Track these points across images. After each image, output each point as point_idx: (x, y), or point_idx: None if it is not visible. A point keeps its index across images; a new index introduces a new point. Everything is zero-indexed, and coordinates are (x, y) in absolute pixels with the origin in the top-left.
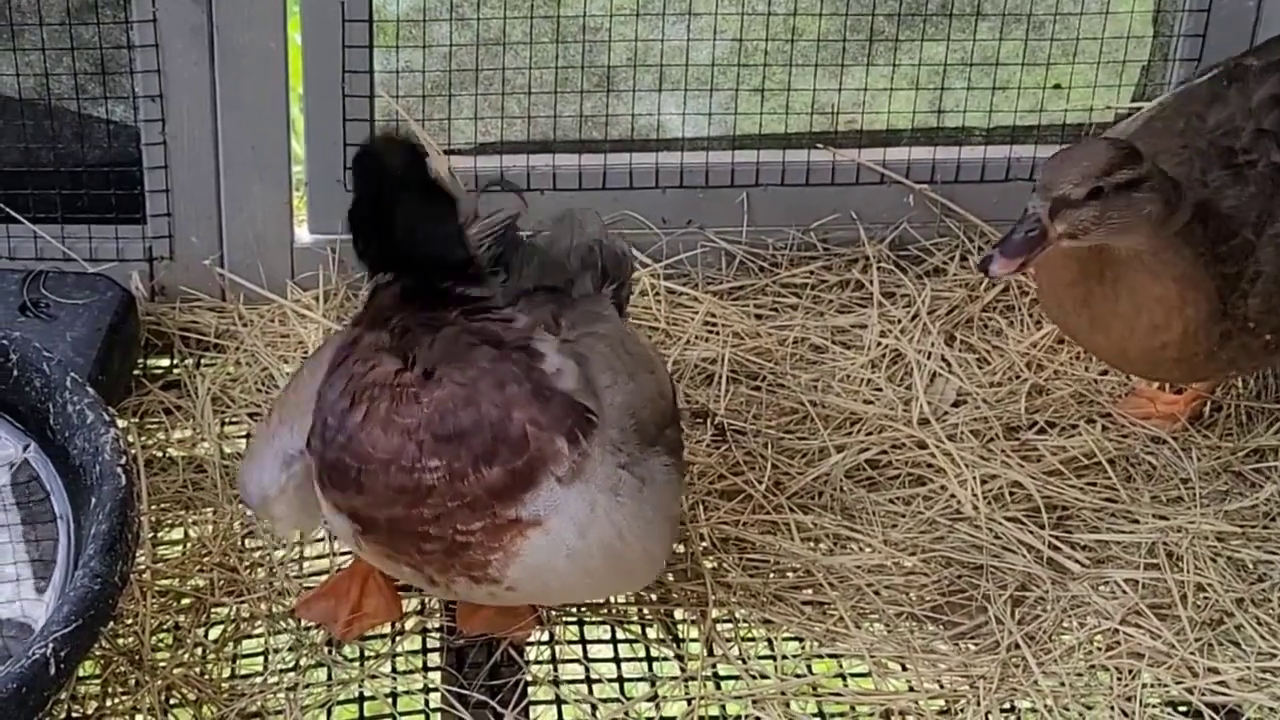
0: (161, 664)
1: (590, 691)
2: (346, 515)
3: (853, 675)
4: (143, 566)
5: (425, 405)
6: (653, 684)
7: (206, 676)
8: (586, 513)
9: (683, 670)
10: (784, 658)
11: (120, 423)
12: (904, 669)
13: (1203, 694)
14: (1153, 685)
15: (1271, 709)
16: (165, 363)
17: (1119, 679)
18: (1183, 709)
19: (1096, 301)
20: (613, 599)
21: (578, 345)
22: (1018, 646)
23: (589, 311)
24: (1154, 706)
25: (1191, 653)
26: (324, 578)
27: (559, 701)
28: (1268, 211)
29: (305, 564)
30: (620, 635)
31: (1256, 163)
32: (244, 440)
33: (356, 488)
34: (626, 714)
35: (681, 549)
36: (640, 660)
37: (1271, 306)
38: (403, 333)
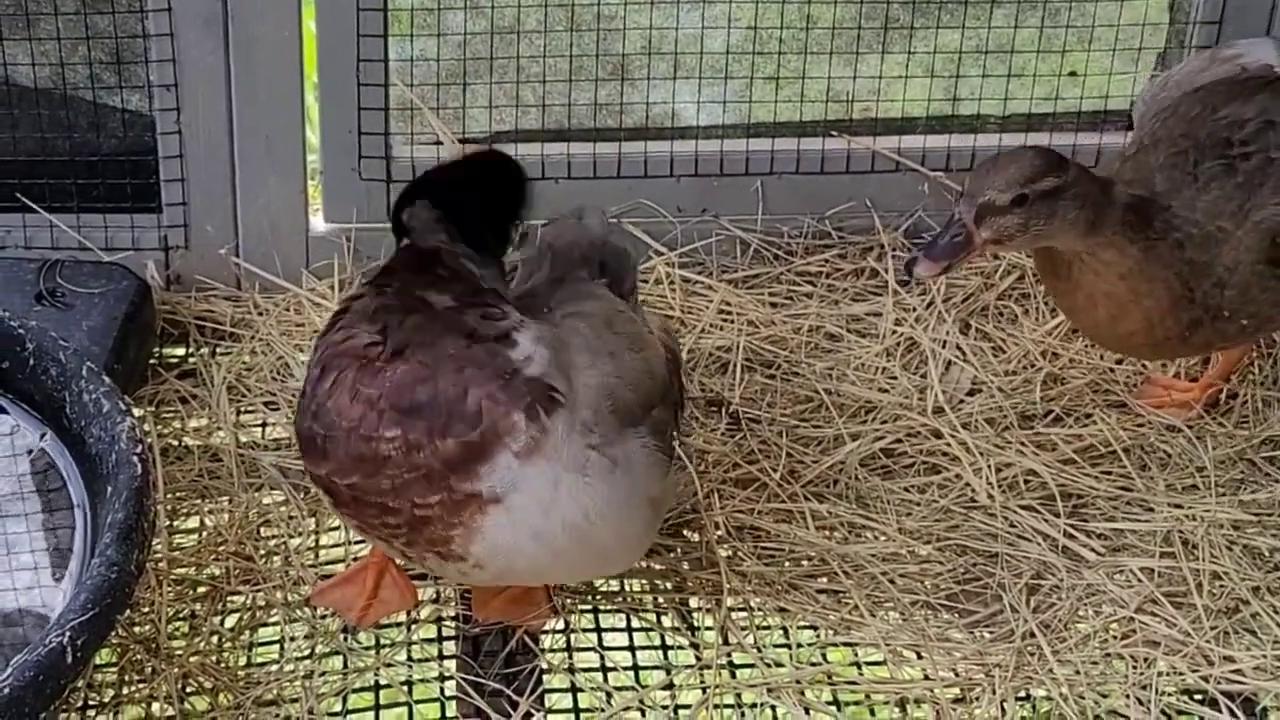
0: (178, 652)
1: (605, 679)
2: (319, 486)
3: (868, 663)
4: (159, 555)
5: (388, 378)
6: (668, 672)
7: (222, 664)
8: (550, 491)
9: (698, 658)
10: (799, 646)
11: (136, 411)
12: (919, 657)
13: (1218, 682)
14: (1168, 673)
15: None
16: (181, 351)
17: (1134, 667)
18: (1198, 697)
19: (1061, 295)
20: (627, 586)
21: (560, 329)
22: (1033, 635)
23: (579, 290)
24: (1169, 695)
25: (1207, 641)
26: (340, 566)
27: (574, 689)
28: (1251, 202)
29: (321, 553)
30: (635, 623)
31: (1251, 156)
32: (259, 429)
33: (322, 454)
34: (641, 702)
35: (696, 537)
36: (655, 648)
37: (1249, 298)
38: (384, 308)
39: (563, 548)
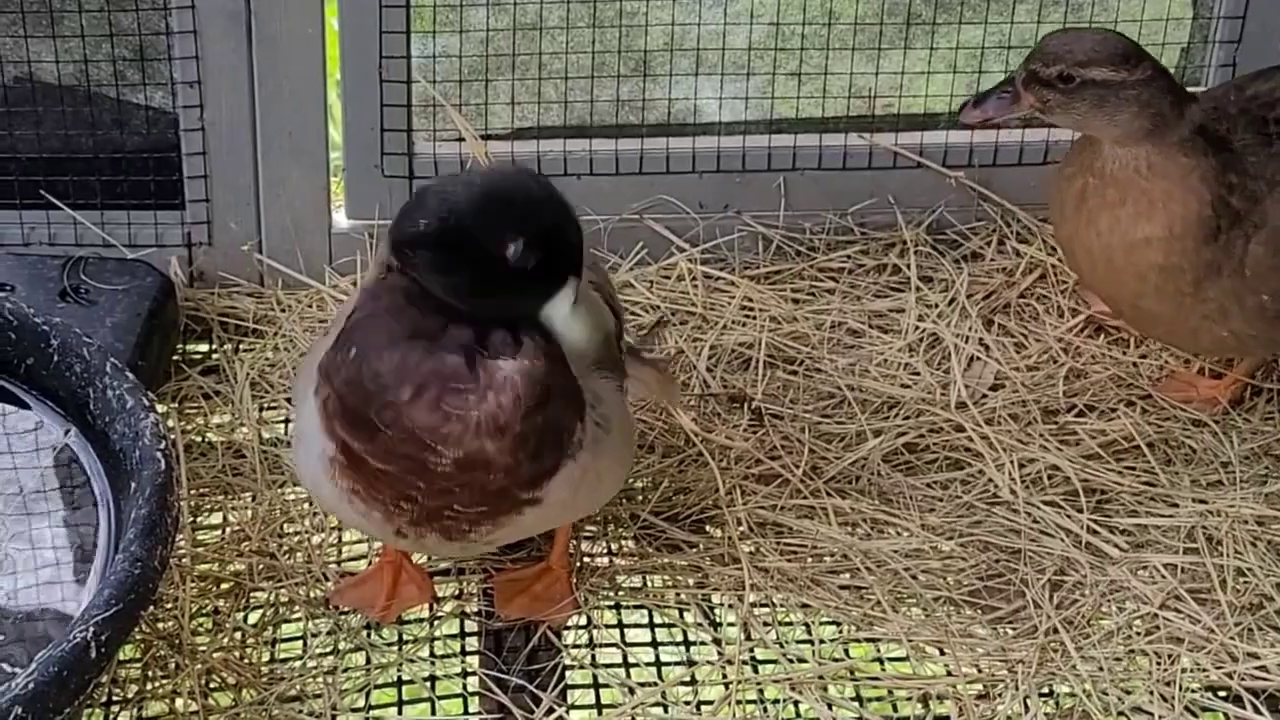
0: (201, 648)
1: (628, 675)
2: (338, 443)
3: (890, 659)
4: (182, 551)
5: (478, 400)
6: (690, 667)
7: (246, 660)
8: (578, 476)
9: (720, 654)
10: (821, 642)
11: (160, 408)
12: (942, 653)
13: (1242, 679)
14: (1192, 670)
15: None
16: (204, 348)
17: (1158, 664)
18: (1222, 694)
19: (1091, 193)
20: (649, 582)
21: None
22: (1056, 631)
23: None
24: (1193, 691)
25: (1231, 637)
26: (362, 564)
27: (596, 685)
28: None
29: (344, 549)
30: (658, 619)
31: None
32: (282, 425)
33: (369, 436)
34: (664, 697)
35: (718, 533)
36: (678, 644)
37: (1276, 264)
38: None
39: (580, 506)
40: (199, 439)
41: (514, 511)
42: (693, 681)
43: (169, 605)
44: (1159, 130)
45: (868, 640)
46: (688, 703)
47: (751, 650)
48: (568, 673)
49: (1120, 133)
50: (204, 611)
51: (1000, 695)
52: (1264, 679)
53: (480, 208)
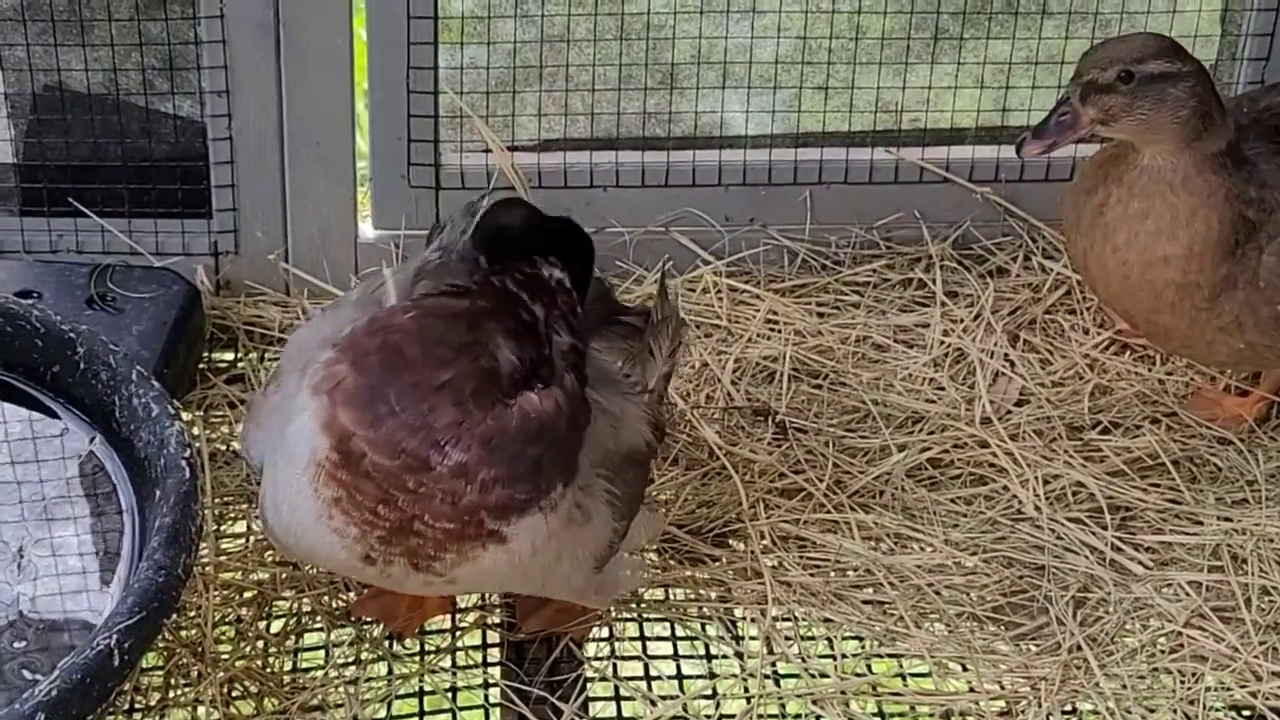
0: (224, 656)
1: (649, 688)
2: (334, 436)
3: (913, 675)
4: (206, 559)
5: (489, 414)
6: (711, 679)
7: (268, 669)
8: (543, 540)
9: (742, 668)
10: (844, 657)
11: (185, 416)
12: (964, 669)
13: (1266, 698)
14: (1216, 689)
15: None
16: (229, 356)
17: (1182, 682)
18: (1246, 713)
19: (1111, 206)
20: (671, 595)
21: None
22: (1079, 648)
23: (602, 369)
24: (1217, 710)
25: (1255, 656)
26: None
27: (618, 698)
28: None
29: None
30: (680, 632)
31: None
32: None
33: (373, 421)
34: (685, 710)
35: (741, 547)
36: (700, 658)
37: None
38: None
39: (532, 577)
40: (223, 447)
41: (477, 541)
42: (714, 695)
43: (192, 613)
44: (1209, 132)
45: (890, 656)
46: (709, 716)
47: (773, 664)
48: (589, 684)
49: (1180, 131)
50: (227, 620)
51: (1023, 712)
52: None
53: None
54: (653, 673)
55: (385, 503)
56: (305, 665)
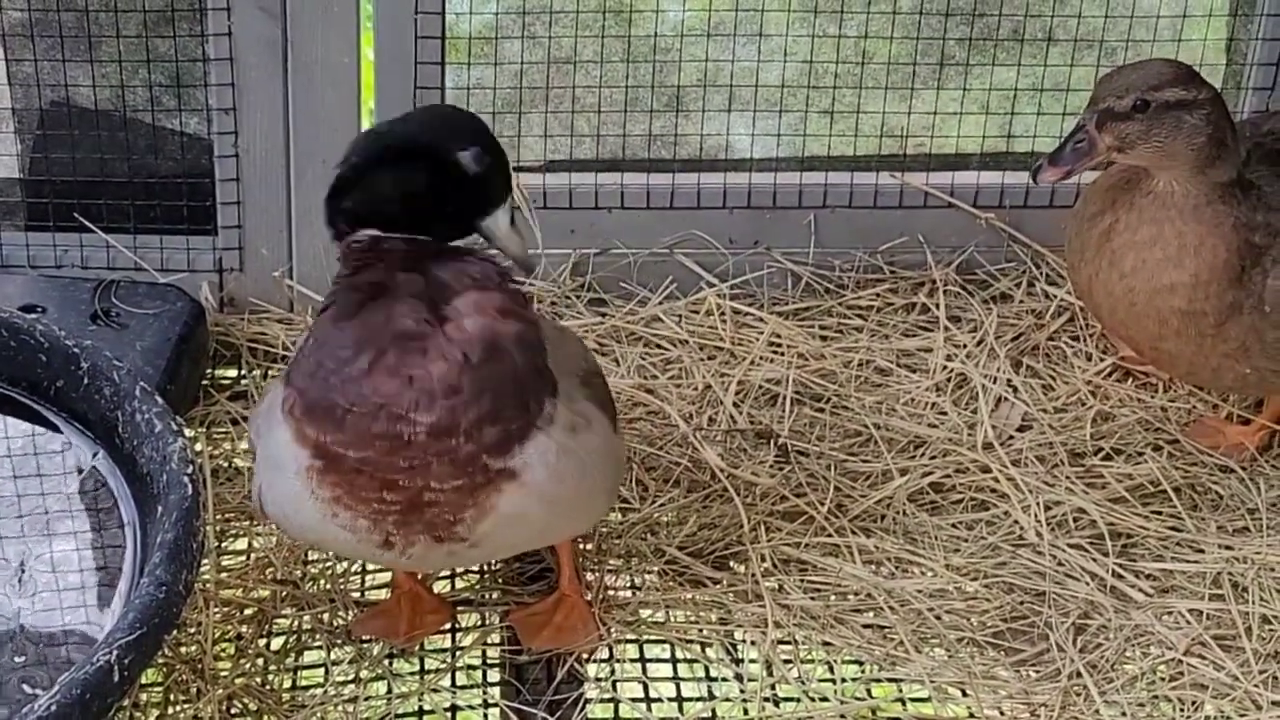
0: (223, 673)
1: (649, 709)
2: (314, 451)
3: (913, 700)
4: (207, 576)
5: (437, 363)
6: (711, 699)
7: (268, 687)
8: (555, 458)
9: (742, 691)
10: (844, 680)
11: (188, 432)
12: (964, 694)
13: None
14: (1216, 717)
15: None
16: (233, 373)
17: (1181, 710)
18: None
19: (1118, 232)
20: (672, 617)
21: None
22: (1079, 675)
23: None
24: None
25: (1255, 685)
26: (384, 592)
27: (618, 718)
28: None
29: (367, 578)
30: (680, 654)
31: None
32: None
33: (339, 424)
34: None
35: (742, 569)
36: (699, 680)
37: None
38: (428, 289)
39: (566, 504)
40: (226, 464)
41: (490, 486)
42: (714, 717)
43: (192, 630)
44: (1222, 159)
45: (890, 680)
46: None
47: (773, 687)
48: (589, 705)
49: (1196, 159)
50: (227, 637)
51: None
52: None
53: (428, 125)
54: (652, 694)
55: (387, 487)
56: (305, 683)
